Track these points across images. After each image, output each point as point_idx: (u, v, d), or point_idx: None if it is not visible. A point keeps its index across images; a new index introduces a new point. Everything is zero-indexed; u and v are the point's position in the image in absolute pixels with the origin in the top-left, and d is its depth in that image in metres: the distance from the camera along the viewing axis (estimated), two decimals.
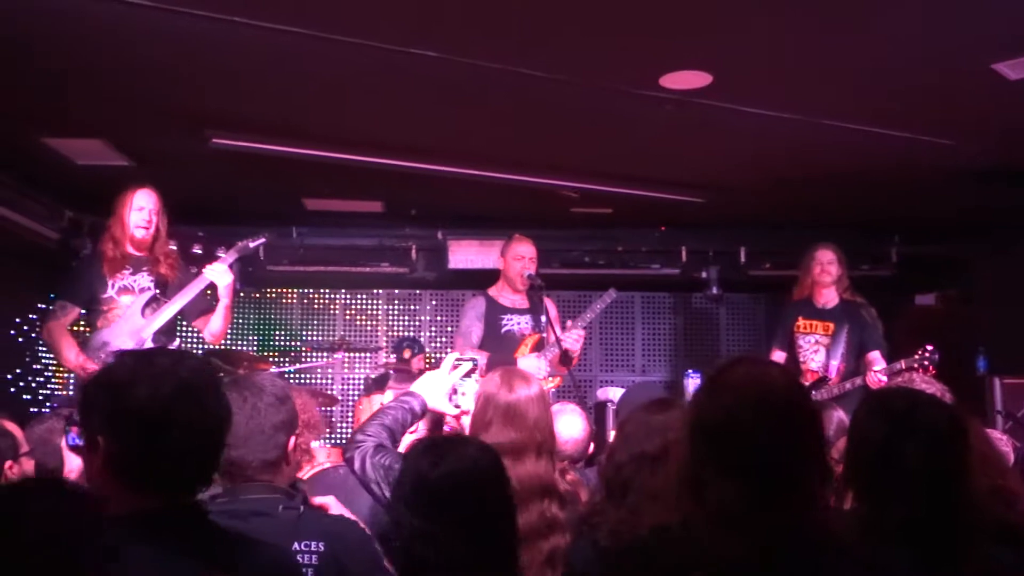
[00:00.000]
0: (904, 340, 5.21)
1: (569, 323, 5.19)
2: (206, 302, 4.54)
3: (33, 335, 6.16)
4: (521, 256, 5.20)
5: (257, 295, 7.13)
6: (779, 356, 5.44)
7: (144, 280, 4.41)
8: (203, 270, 4.42)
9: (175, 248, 4.62)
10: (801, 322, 5.39)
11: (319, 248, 6.64)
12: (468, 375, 2.78)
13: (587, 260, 6.82)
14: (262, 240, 4.80)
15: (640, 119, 4.44)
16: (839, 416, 3.22)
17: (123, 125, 4.65)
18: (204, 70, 3.87)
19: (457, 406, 2.75)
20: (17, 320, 6.07)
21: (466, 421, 2.76)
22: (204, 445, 1.59)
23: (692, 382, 6.69)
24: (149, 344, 4.22)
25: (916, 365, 4.74)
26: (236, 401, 1.92)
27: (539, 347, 5.11)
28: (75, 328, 4.50)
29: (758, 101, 4.17)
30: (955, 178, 5.24)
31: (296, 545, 1.93)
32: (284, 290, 7.22)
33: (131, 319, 4.30)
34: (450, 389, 2.73)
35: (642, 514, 1.85)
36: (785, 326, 5.51)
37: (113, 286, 4.36)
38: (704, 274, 6.70)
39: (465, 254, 6.62)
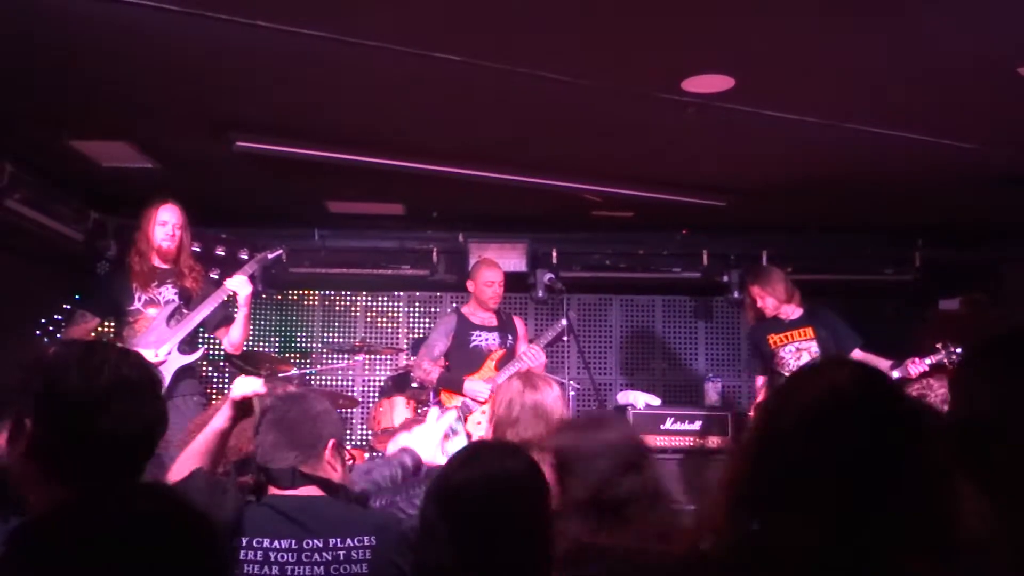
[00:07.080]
0: (928, 344, 5.17)
1: (529, 344, 5.35)
2: (226, 313, 4.67)
3: (59, 335, 6.21)
4: (491, 282, 5.37)
5: (279, 297, 7.16)
6: (760, 382, 5.50)
7: (169, 292, 4.57)
8: (224, 281, 4.55)
9: (199, 263, 4.76)
10: (774, 337, 5.37)
11: (340, 250, 6.66)
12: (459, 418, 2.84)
13: (608, 263, 6.80)
14: (279, 252, 5.03)
15: (662, 123, 4.42)
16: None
17: (148, 128, 4.68)
18: (229, 74, 3.90)
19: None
20: (43, 320, 6.13)
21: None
22: (132, 443, 1.54)
23: (713, 386, 6.70)
24: (175, 354, 4.39)
25: (945, 360, 4.89)
26: None
27: (504, 362, 5.20)
28: (98, 335, 4.59)
29: (781, 105, 4.15)
30: (980, 182, 5.19)
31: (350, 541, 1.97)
32: (305, 292, 7.25)
33: (157, 329, 4.45)
34: (440, 438, 2.76)
35: None
36: (757, 350, 5.53)
37: (140, 299, 4.52)
38: (725, 278, 6.68)
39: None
